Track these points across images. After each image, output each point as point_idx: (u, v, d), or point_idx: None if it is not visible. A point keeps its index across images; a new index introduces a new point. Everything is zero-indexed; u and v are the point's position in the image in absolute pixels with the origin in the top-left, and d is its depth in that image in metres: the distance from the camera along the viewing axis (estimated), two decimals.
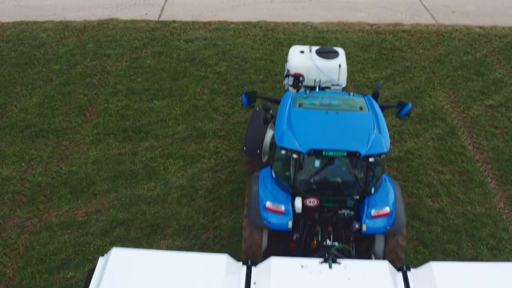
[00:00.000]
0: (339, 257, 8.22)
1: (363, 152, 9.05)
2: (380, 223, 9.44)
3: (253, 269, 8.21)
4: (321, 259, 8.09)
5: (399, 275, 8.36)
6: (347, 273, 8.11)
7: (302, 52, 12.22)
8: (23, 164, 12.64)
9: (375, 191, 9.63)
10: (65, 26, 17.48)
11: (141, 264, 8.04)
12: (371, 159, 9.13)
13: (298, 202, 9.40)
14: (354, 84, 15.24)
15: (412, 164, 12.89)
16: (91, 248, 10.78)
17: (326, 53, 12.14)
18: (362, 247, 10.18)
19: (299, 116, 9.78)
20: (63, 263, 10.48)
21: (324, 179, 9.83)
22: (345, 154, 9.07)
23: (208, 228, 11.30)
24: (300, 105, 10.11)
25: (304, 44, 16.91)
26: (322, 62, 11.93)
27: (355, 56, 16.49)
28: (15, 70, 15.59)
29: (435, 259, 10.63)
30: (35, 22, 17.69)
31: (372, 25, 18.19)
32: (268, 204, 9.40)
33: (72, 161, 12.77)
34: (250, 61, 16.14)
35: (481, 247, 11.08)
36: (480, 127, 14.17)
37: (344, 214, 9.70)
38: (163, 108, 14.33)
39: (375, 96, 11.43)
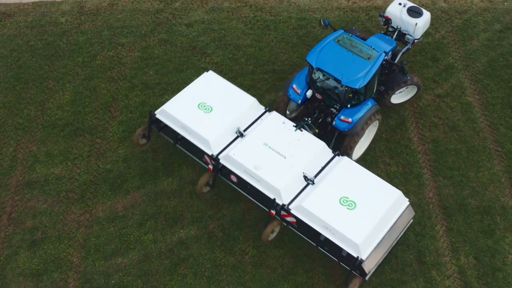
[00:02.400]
0: (305, 129, 16.57)
1: (343, 82, 16.01)
2: (342, 125, 16.76)
3: (266, 113, 16.90)
4: (295, 124, 16.44)
5: (331, 155, 16.30)
6: (300, 137, 16.28)
7: (399, 4, 18.60)
8: (69, 163, 17.81)
9: (352, 106, 16.76)
10: (80, 9, 21.53)
11: (214, 83, 17.25)
12: (346, 88, 16.11)
13: (309, 92, 17.14)
14: None
15: (366, 158, 18.12)
16: (132, 239, 16.40)
17: (414, 12, 18.37)
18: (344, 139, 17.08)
19: (330, 47, 16.61)
20: (113, 251, 16.15)
21: (324, 86, 16.88)
22: (333, 78, 16.15)
23: (213, 219, 16.83)
24: (338, 41, 16.76)
25: (289, 26, 21.24)
26: (406, 17, 18.30)
27: None
28: (45, 63, 20.05)
29: None
30: (52, 3, 21.67)
31: (348, 0, 22.24)
32: (294, 85, 17.18)
33: (107, 159, 17.94)
34: (242, 49, 20.57)
35: (409, 233, 16.73)
36: (426, 118, 19.13)
37: (332, 110, 17.20)
38: None
39: (394, 58, 18.08)
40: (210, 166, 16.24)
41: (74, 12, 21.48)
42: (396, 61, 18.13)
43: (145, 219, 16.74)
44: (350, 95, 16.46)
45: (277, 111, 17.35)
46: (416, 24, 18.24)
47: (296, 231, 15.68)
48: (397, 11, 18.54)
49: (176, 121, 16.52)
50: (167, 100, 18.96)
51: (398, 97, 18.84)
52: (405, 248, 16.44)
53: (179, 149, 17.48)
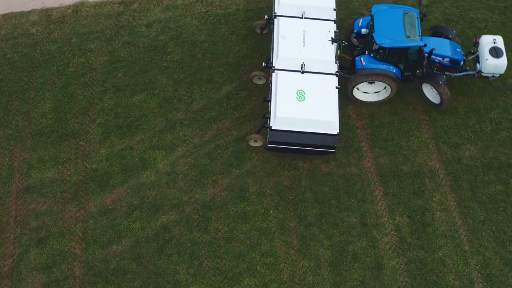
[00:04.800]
0: (337, 46, 21.84)
1: (374, 33, 21.06)
2: (357, 63, 21.79)
3: (330, 21, 22.54)
4: (333, 38, 22.07)
5: (333, 71, 21.44)
6: (327, 45, 21.86)
7: (494, 39, 22.11)
8: (59, 167, 21.62)
9: (376, 58, 21.68)
10: (48, 18, 24.74)
11: None
12: (372, 38, 21.34)
13: (364, 30, 22.45)
14: None
15: None
16: (122, 228, 20.50)
17: (495, 51, 21.70)
18: None
19: (395, 11, 21.65)
20: (109, 241, 20.28)
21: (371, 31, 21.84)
22: (373, 27, 21.40)
23: (188, 204, 21.02)
24: (405, 13, 21.65)
25: (238, 18, 24.83)
26: (486, 50, 21.84)
27: None
28: (24, 75, 23.42)
29: (323, 215, 20.72)
30: (21, 14, 24.78)
31: None
32: (361, 20, 22.83)
33: (91, 159, 21.79)
34: (198, 45, 24.18)
35: (352, 200, 21.11)
36: None
37: (365, 52, 22.33)
38: (143, 103, 22.86)
39: (459, 70, 22.46)
40: (266, 16, 23.18)
41: (43, 21, 24.71)
42: (456, 75, 22.34)
43: (131, 209, 20.80)
44: (381, 51, 21.15)
45: (345, 34, 23.21)
46: (487, 60, 21.71)
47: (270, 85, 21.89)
48: (485, 41, 22.08)
49: None
50: (137, 100, 22.76)
51: (425, 88, 22.73)
52: (349, 213, 20.83)
53: (154, 144, 21.65)
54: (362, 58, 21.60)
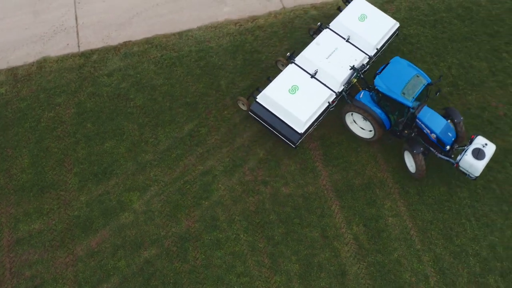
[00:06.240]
0: (355, 75, 25.17)
1: (377, 75, 23.56)
2: (358, 94, 24.36)
3: (364, 56, 25.91)
4: (354, 67, 25.14)
5: (336, 90, 24.93)
6: (347, 69, 25.45)
7: (485, 143, 23.29)
8: (44, 218, 24.34)
9: (373, 98, 24.12)
10: (14, 76, 27.34)
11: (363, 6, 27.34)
12: (375, 78, 23.61)
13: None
14: (231, 94, 26.80)
15: (271, 164, 25.34)
16: (110, 267, 23.29)
17: (477, 152, 23.02)
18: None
19: (409, 70, 23.51)
20: (99, 280, 23.07)
21: None
22: (380, 71, 23.59)
23: (166, 238, 23.97)
24: (417, 76, 23.24)
25: (191, 59, 27.71)
26: (470, 148, 23.19)
27: (226, 65, 27.66)
28: None
29: (288, 233, 23.83)
30: None
31: (235, 24, 28.82)
32: (384, 66, 24.08)
33: (73, 207, 24.56)
34: (157, 89, 27.02)
35: (313, 216, 24.22)
36: None
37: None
38: (113, 149, 25.66)
39: (443, 153, 24.12)
40: (319, 23, 27.01)
41: (10, 80, 27.32)
42: (439, 156, 23.98)
43: (115, 249, 23.61)
44: (380, 94, 23.42)
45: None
46: (466, 155, 23.22)
47: None
48: (477, 141, 23.38)
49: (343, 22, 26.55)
50: (108, 147, 25.56)
51: (406, 154, 24.87)
52: (312, 229, 23.91)
53: (129, 186, 24.47)
54: (363, 93, 24.47)
